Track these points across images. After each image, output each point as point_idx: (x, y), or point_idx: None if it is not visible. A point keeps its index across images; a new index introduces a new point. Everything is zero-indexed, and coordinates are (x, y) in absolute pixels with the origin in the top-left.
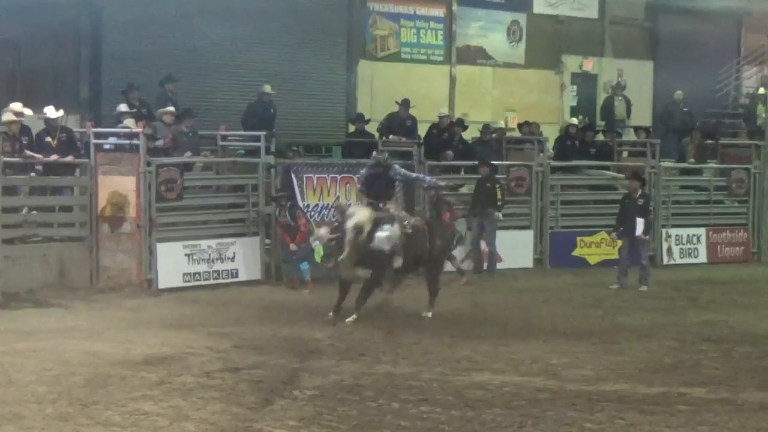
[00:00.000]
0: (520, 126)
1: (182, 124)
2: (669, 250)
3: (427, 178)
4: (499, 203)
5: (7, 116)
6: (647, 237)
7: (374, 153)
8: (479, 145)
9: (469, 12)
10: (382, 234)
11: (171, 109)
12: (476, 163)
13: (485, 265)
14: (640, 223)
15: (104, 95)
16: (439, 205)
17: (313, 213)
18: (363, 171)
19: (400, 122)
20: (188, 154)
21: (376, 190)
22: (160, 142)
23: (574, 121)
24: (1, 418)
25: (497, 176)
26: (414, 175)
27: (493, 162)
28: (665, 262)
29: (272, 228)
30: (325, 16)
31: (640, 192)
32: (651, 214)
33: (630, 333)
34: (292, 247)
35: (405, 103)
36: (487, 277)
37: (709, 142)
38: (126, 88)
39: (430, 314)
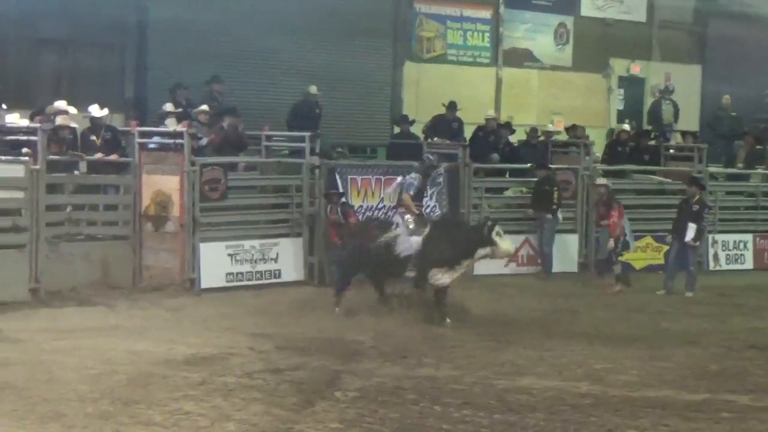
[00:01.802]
0: (567, 129)
1: (224, 122)
2: (715, 255)
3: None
4: (555, 207)
5: (63, 119)
6: (696, 244)
7: (427, 156)
8: (525, 148)
9: (516, 14)
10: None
11: (205, 107)
12: (525, 166)
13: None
14: (690, 229)
15: (149, 94)
16: (610, 203)
17: (358, 214)
18: (413, 179)
19: (446, 124)
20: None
21: (422, 197)
22: (203, 141)
23: (626, 126)
24: (43, 416)
25: (555, 179)
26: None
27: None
28: (711, 267)
29: (316, 228)
30: (371, 17)
31: (696, 198)
32: (704, 221)
33: (675, 339)
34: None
35: (452, 106)
36: (543, 278)
37: (759, 147)
38: (173, 87)
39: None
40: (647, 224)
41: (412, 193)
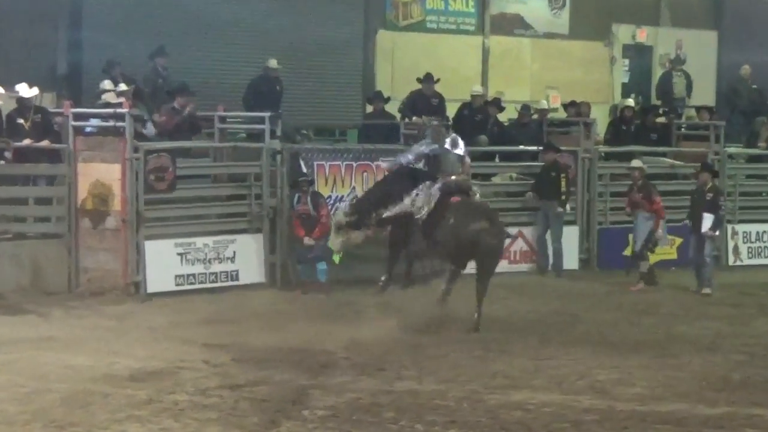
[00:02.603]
0: (566, 107)
1: (175, 103)
2: (735, 248)
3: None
4: (563, 196)
5: None
6: (715, 233)
7: (431, 121)
8: (517, 128)
9: None
10: None
11: (122, 86)
12: (516, 148)
13: (550, 264)
14: (707, 219)
15: (85, 71)
16: (648, 188)
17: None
18: (424, 148)
19: (424, 101)
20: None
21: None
22: (149, 129)
23: (630, 102)
24: None
25: (562, 164)
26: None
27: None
28: (731, 262)
29: (278, 223)
30: None
31: (709, 185)
32: (722, 210)
33: (690, 344)
34: (307, 241)
35: (428, 79)
36: (553, 276)
37: None
38: (107, 63)
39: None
40: None
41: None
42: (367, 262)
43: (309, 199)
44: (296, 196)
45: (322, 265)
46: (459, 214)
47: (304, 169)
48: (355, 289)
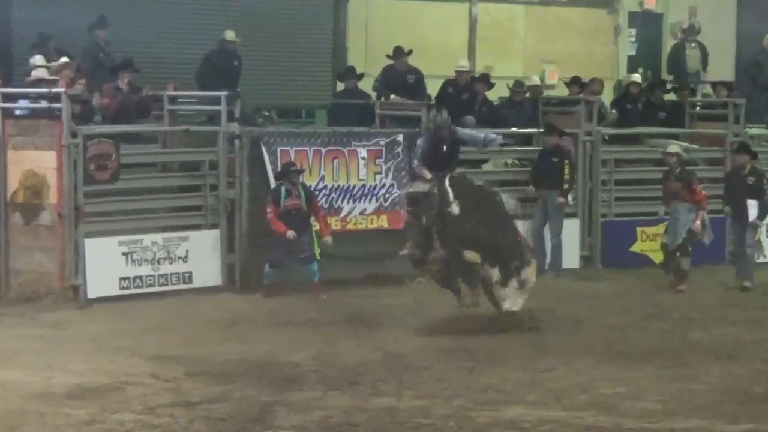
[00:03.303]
0: (569, 84)
1: (120, 81)
2: (758, 243)
3: (491, 135)
4: (566, 185)
5: None
6: (762, 223)
7: (431, 113)
8: (509, 108)
9: None
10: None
11: (65, 59)
12: (508, 130)
13: (547, 262)
14: (752, 206)
15: (14, 46)
16: (687, 175)
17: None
18: (419, 143)
19: (399, 78)
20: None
21: (440, 159)
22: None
23: (636, 77)
24: None
25: (566, 148)
26: (482, 134)
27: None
28: (755, 259)
29: (237, 218)
30: None
31: (749, 168)
32: (766, 194)
33: (707, 353)
34: (290, 234)
35: (397, 53)
36: (552, 277)
37: None
38: (37, 40)
39: None
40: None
41: (417, 161)
42: (339, 263)
43: (301, 190)
44: (283, 189)
45: (314, 266)
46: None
47: (267, 157)
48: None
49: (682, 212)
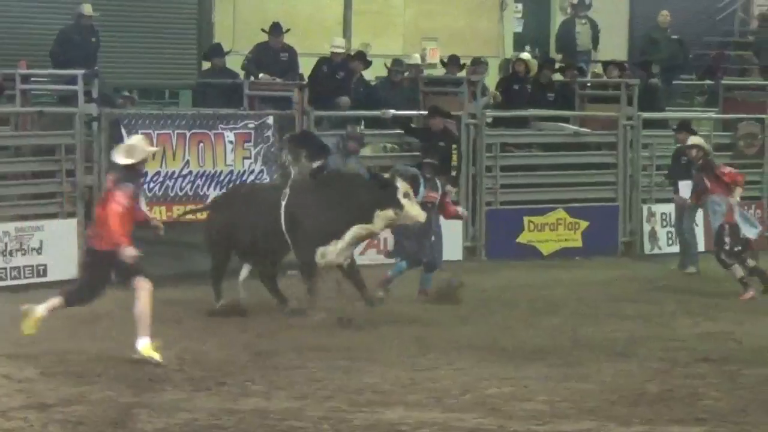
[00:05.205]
0: (446, 64)
1: None
2: (653, 233)
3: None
4: (454, 172)
5: None
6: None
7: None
8: (387, 88)
9: None
10: None
11: None
12: (384, 112)
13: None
14: (684, 187)
15: None
16: (709, 166)
17: (152, 185)
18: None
19: (271, 56)
20: None
21: None
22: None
23: (525, 55)
24: None
25: (454, 132)
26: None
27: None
28: (647, 250)
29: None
30: None
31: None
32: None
33: (599, 350)
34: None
35: (275, 29)
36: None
37: (708, 82)
38: None
39: None
40: (558, 192)
41: None
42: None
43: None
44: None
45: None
46: None
47: (126, 139)
48: (182, 287)
49: (712, 209)
